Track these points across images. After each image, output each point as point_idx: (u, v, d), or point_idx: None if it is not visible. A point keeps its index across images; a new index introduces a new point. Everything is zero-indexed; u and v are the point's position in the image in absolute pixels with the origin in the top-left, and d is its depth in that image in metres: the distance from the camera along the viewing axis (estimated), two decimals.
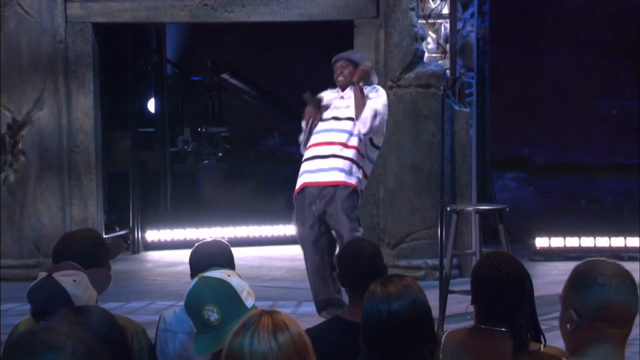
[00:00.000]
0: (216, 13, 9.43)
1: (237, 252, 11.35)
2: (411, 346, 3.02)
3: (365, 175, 6.99)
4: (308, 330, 3.93)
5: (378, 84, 7.34)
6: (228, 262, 3.85)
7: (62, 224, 9.27)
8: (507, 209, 6.79)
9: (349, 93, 6.99)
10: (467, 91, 9.51)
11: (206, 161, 13.14)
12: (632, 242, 10.08)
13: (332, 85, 7.27)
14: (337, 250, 6.57)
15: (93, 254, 3.81)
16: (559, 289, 2.81)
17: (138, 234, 11.12)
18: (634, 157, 12.68)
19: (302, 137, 7.15)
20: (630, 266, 9.45)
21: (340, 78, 6.99)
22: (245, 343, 2.28)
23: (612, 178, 13.32)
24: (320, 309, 6.79)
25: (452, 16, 9.16)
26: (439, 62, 9.17)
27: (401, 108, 9.03)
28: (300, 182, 6.94)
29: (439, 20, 9.23)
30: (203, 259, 3.85)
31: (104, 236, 9.98)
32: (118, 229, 11.56)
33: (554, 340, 3.44)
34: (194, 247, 4.02)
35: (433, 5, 9.22)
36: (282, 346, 2.28)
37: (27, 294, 3.05)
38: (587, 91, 13.17)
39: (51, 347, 1.75)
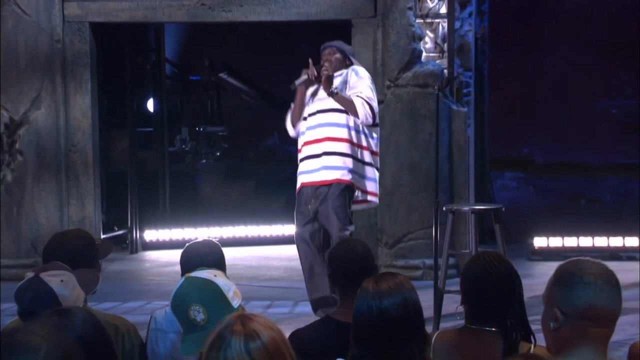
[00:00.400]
0: (214, 13, 9.42)
1: (236, 252, 11.42)
2: (401, 344, 3.02)
3: (365, 163, 6.87)
4: (299, 331, 3.95)
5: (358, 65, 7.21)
6: (219, 262, 3.84)
7: (59, 224, 9.25)
8: (503, 209, 6.77)
9: (334, 82, 6.92)
10: (465, 91, 9.50)
11: (204, 161, 13.14)
12: (631, 241, 10.07)
13: None
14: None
15: (84, 253, 3.80)
16: None
17: (136, 234, 11.12)
18: (634, 157, 12.68)
19: (289, 116, 7.09)
20: (628, 266, 9.35)
21: (327, 65, 6.94)
22: (220, 357, 2.26)
23: (612, 178, 13.33)
24: (315, 307, 6.78)
25: (449, 15, 9.14)
26: (437, 61, 9.16)
27: (399, 107, 9.02)
28: (298, 182, 6.98)
29: (437, 20, 9.21)
30: (193, 258, 3.84)
31: (102, 236, 10.04)
32: (117, 229, 11.56)
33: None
34: (185, 247, 4.02)
35: (431, 5, 9.20)
36: (254, 357, 2.26)
37: (15, 294, 3.04)
38: (586, 91, 13.17)
39: (26, 348, 1.74)
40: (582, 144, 13.38)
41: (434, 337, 3.46)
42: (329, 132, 6.81)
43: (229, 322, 2.35)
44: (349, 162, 6.78)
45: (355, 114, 6.72)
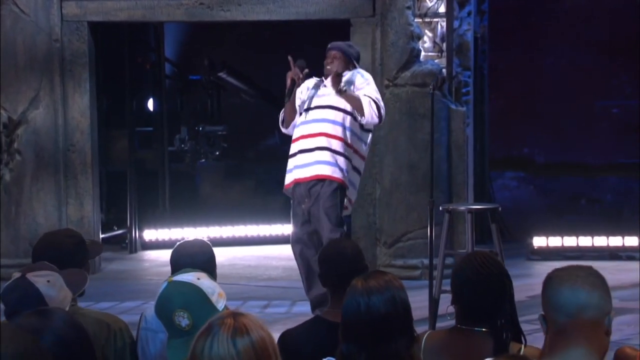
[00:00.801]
0: (212, 12, 9.41)
1: (235, 252, 11.39)
2: (388, 340, 3.04)
3: (354, 168, 6.85)
4: (289, 331, 3.94)
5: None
6: (209, 261, 3.82)
7: (58, 224, 9.24)
8: (500, 209, 6.76)
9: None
10: (464, 90, 9.48)
11: (203, 160, 13.13)
12: (630, 241, 10.05)
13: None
14: None
15: (74, 253, 3.79)
16: None
17: (136, 233, 11.11)
18: (634, 157, 12.66)
19: (281, 114, 7.05)
20: (628, 265, 9.29)
21: (329, 67, 6.91)
22: (205, 348, 2.28)
23: (612, 177, 13.31)
24: (313, 306, 6.76)
25: (448, 15, 9.13)
26: (436, 61, 9.15)
27: (397, 107, 9.01)
28: (290, 178, 6.86)
29: (436, 19, 9.21)
30: (183, 258, 3.82)
31: (101, 236, 10.04)
32: (116, 228, 11.56)
33: (538, 340, 3.42)
34: (175, 246, 4.00)
35: (429, 4, 9.20)
36: (241, 352, 2.26)
37: (1, 295, 3.03)
38: (587, 90, 13.15)
39: None
40: (583, 143, 13.36)
41: (424, 337, 3.46)
42: (325, 128, 6.76)
43: (221, 315, 2.36)
44: (341, 160, 6.73)
45: (362, 112, 6.68)
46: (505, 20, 12.57)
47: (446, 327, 3.91)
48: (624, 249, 10.06)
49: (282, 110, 7.08)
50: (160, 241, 11.31)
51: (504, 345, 3.32)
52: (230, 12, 9.40)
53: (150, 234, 11.32)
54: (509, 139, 13.63)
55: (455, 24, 9.30)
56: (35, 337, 1.84)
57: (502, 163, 13.56)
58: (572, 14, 13.01)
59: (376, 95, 6.78)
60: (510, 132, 13.46)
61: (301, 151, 6.80)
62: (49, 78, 9.32)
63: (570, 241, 10.21)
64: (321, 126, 6.77)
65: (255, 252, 11.10)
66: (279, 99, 13.14)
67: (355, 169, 6.90)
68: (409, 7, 8.98)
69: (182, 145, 12.68)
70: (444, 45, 9.20)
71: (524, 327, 3.59)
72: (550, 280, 2.73)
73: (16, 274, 3.01)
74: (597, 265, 8.79)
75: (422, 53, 9.13)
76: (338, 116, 6.77)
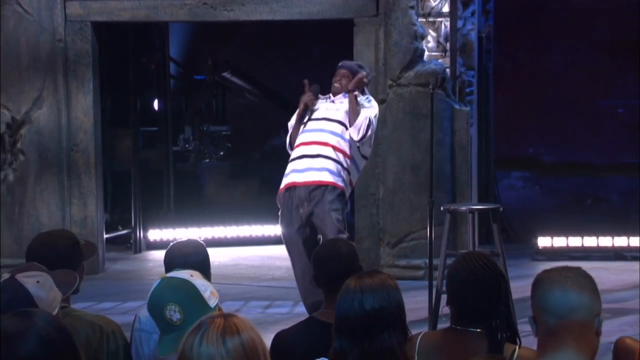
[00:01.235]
0: (215, 12, 9.41)
1: (239, 252, 11.38)
2: (380, 336, 3.08)
3: (350, 182, 6.84)
4: (283, 332, 3.93)
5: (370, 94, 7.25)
6: (203, 262, 3.80)
7: (61, 223, 9.24)
8: (501, 209, 6.73)
9: (341, 99, 6.89)
10: (467, 90, 9.46)
11: (207, 160, 13.12)
12: (635, 241, 10.00)
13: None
14: None
15: (68, 254, 3.78)
16: None
17: (140, 233, 11.11)
18: None
19: (288, 138, 7.02)
20: (633, 266, 9.19)
21: (337, 85, 6.91)
22: (194, 344, 2.28)
23: (618, 177, 13.28)
24: (310, 311, 6.70)
25: (452, 14, 9.13)
26: (439, 60, 9.13)
27: (401, 107, 9.00)
28: (286, 181, 6.76)
29: (439, 19, 9.19)
30: (177, 258, 3.80)
31: (105, 235, 10.05)
32: (121, 228, 11.57)
33: (533, 341, 3.40)
34: (169, 246, 3.99)
35: (433, 4, 9.18)
36: (230, 351, 2.26)
37: None
38: (592, 90, 13.13)
39: None
40: (588, 143, 13.34)
41: (419, 337, 3.44)
42: (332, 140, 6.72)
43: (212, 315, 2.36)
44: (345, 174, 6.70)
45: (353, 121, 6.66)
46: (511, 20, 12.54)
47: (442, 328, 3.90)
48: (629, 249, 10.02)
49: (289, 134, 7.00)
50: (164, 241, 11.27)
51: (499, 346, 3.29)
52: (234, 12, 9.40)
53: (154, 234, 11.32)
54: (515, 139, 13.61)
55: (459, 23, 9.29)
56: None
57: (508, 163, 13.55)
58: (578, 14, 12.98)
59: (373, 119, 6.77)
60: (516, 132, 13.45)
61: (303, 156, 6.72)
62: (53, 78, 9.33)
63: (575, 241, 10.17)
64: (329, 137, 6.72)
65: (259, 252, 11.10)
66: (283, 98, 13.24)
67: (351, 183, 6.89)
68: (412, 7, 8.96)
69: (186, 145, 12.67)
70: (448, 45, 9.19)
71: (525, 328, 3.56)
72: (540, 281, 2.73)
73: (5, 275, 3.00)
74: (601, 265, 8.79)
75: (426, 53, 9.11)
76: (345, 132, 6.74)
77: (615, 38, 12.71)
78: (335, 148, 6.68)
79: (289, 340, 3.78)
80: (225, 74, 12.88)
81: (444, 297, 6.49)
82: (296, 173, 6.70)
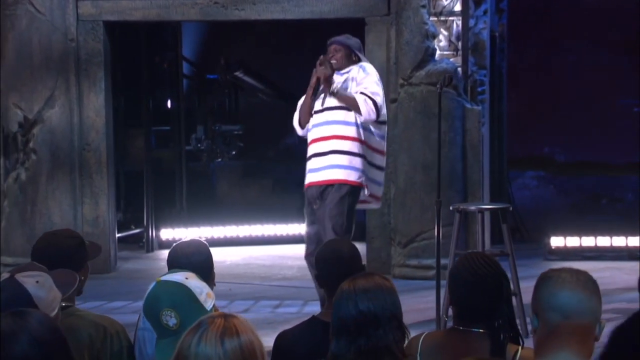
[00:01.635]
0: (227, 11, 9.41)
1: (252, 251, 11.38)
2: (376, 334, 3.09)
3: (372, 164, 6.71)
4: (285, 332, 3.92)
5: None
6: (205, 262, 3.79)
7: (73, 223, 9.26)
8: (511, 209, 6.70)
9: (339, 78, 6.80)
10: (479, 89, 9.43)
11: (220, 159, 13.12)
12: None
13: None
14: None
15: (73, 254, 3.78)
16: None
17: (152, 233, 11.13)
18: None
19: (297, 113, 6.93)
20: None
21: (334, 61, 6.83)
22: (192, 343, 2.26)
23: (634, 176, 13.18)
24: (323, 303, 6.71)
25: (464, 13, 9.09)
26: (451, 59, 9.09)
27: (412, 106, 8.98)
28: (305, 181, 6.80)
29: (451, 18, 9.16)
30: (180, 258, 3.79)
31: (117, 235, 10.07)
32: (134, 228, 11.58)
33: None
34: (172, 246, 3.98)
35: (445, 3, 9.15)
36: (228, 352, 2.24)
37: None
38: (607, 89, 13.06)
39: None
40: (603, 142, 13.28)
41: (421, 338, 3.43)
42: (337, 130, 6.65)
43: (212, 315, 2.35)
44: (356, 161, 6.60)
45: (358, 111, 6.55)
46: (525, 19, 12.50)
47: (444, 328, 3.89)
48: None
49: (297, 110, 6.95)
50: (177, 240, 11.27)
51: (501, 346, 3.28)
52: (245, 11, 9.40)
53: (167, 233, 11.33)
54: (529, 138, 13.56)
55: (471, 22, 9.25)
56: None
57: (522, 162, 13.50)
58: (593, 13, 12.92)
59: (373, 89, 6.59)
60: (530, 131, 13.40)
61: (315, 155, 6.71)
62: (65, 77, 9.35)
63: (588, 241, 10.09)
64: (333, 128, 6.66)
65: (271, 251, 11.09)
66: (296, 97, 13.21)
67: (373, 165, 6.79)
68: (424, 6, 8.93)
69: (199, 145, 12.68)
70: (460, 44, 9.14)
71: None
72: (549, 279, 2.74)
73: (5, 275, 3.00)
74: (614, 265, 8.79)
75: (437, 52, 9.07)
76: (349, 116, 6.65)
77: (630, 37, 12.64)
78: (342, 137, 6.60)
79: (291, 340, 3.77)
80: (238, 74, 12.90)
81: None
82: (311, 173, 6.72)
